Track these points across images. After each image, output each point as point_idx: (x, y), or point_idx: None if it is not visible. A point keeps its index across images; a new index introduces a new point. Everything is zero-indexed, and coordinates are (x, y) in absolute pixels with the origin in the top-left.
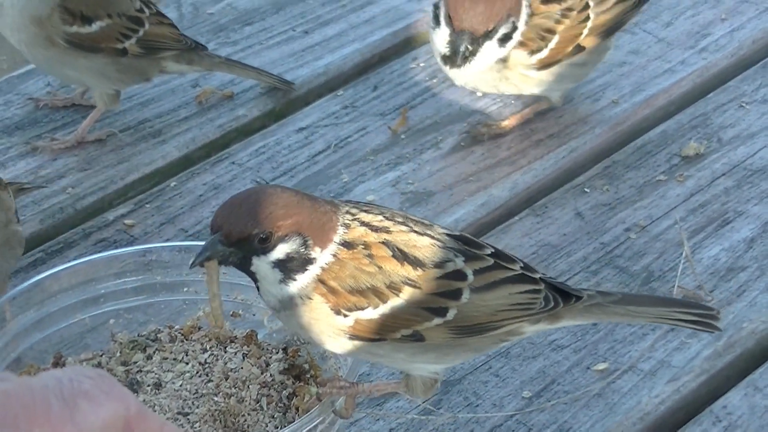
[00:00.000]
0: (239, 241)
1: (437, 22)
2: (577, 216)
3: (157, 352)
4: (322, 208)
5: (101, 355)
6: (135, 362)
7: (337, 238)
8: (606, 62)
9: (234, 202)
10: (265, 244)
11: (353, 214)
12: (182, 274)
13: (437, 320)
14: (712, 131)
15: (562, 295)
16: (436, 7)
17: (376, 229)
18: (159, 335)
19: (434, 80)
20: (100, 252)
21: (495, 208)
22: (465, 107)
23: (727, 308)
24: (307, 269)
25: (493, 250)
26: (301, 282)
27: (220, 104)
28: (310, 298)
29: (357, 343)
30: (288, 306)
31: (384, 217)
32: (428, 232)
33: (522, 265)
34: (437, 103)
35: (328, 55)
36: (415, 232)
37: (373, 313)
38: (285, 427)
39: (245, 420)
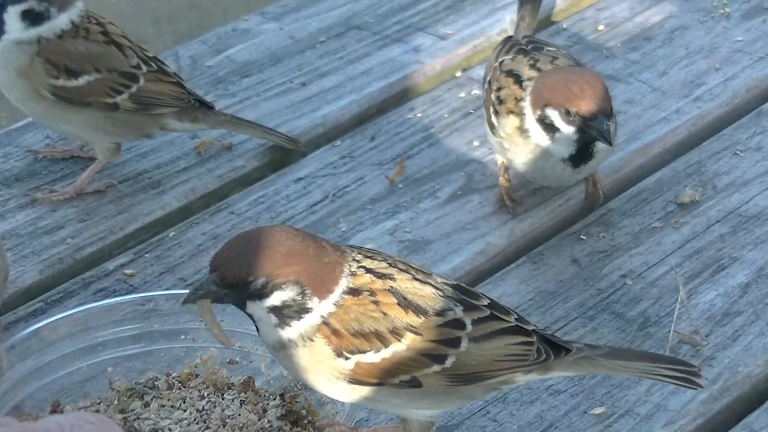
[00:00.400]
0: (234, 285)
1: (553, 129)
2: (574, 263)
3: (154, 399)
4: (326, 258)
5: (99, 403)
6: (133, 410)
7: (340, 288)
8: None
9: (236, 244)
10: (260, 291)
11: (358, 261)
12: (180, 322)
13: (436, 367)
14: (707, 178)
15: (553, 347)
16: (542, 119)
17: (381, 276)
18: (156, 383)
19: (431, 130)
20: (99, 302)
21: (492, 256)
22: (462, 156)
23: (723, 352)
24: (303, 317)
25: (489, 301)
26: (297, 327)
27: (218, 155)
28: (312, 340)
29: (356, 387)
30: (287, 347)
31: (387, 263)
32: (429, 280)
33: (516, 317)
34: (434, 152)
35: (325, 106)
36: (418, 280)
37: (374, 357)
38: None
39: None
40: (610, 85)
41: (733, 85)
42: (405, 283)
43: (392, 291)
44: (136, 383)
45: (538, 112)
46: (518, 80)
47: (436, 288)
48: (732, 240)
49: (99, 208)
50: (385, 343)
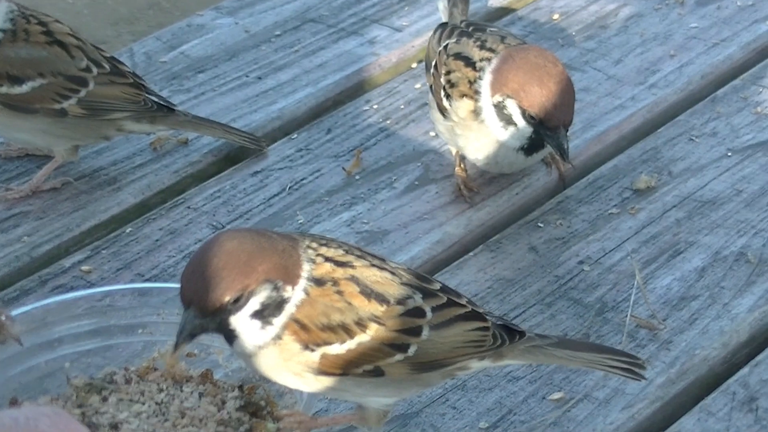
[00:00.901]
0: (214, 311)
1: (510, 121)
2: (531, 250)
3: (112, 393)
4: (282, 247)
5: (57, 399)
6: (91, 404)
7: (305, 274)
8: None
9: (197, 269)
10: (238, 304)
11: (315, 249)
12: (137, 316)
13: (399, 356)
14: (663, 165)
15: (509, 332)
16: (500, 107)
17: (341, 264)
18: (115, 377)
19: (388, 122)
20: (56, 297)
21: (450, 245)
22: (419, 147)
23: (680, 336)
24: (282, 309)
25: (440, 285)
26: (278, 324)
27: (175, 150)
28: (281, 338)
29: (321, 378)
30: (261, 349)
31: (344, 251)
32: (385, 266)
33: (467, 300)
34: (391, 143)
35: (281, 99)
36: (375, 266)
37: (340, 348)
38: None
39: None
40: None
41: (687, 71)
42: (365, 271)
43: (354, 279)
44: (94, 378)
45: (498, 98)
46: (469, 62)
47: (394, 274)
48: (688, 225)
49: (55, 206)
50: (351, 335)
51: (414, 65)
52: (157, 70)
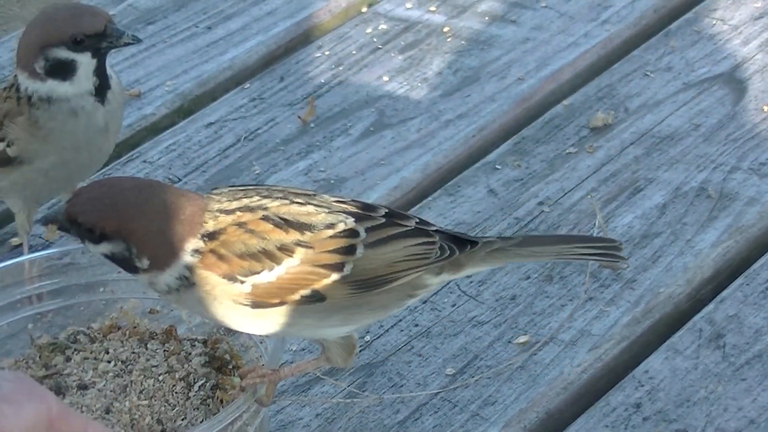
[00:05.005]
0: (71, 222)
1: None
2: (490, 193)
3: (77, 353)
4: (181, 215)
5: (22, 360)
6: (55, 365)
7: (191, 246)
8: (509, 40)
9: (93, 187)
10: (90, 236)
11: (219, 206)
12: (98, 275)
13: (335, 276)
14: (619, 101)
15: (461, 243)
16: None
17: (250, 209)
18: (78, 336)
19: (340, 68)
20: (16, 258)
21: (408, 191)
22: (372, 92)
23: (644, 274)
24: (138, 272)
25: (386, 211)
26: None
27: (127, 104)
28: (196, 273)
29: (260, 312)
30: (173, 288)
31: (261, 196)
32: (311, 201)
33: (417, 221)
34: (344, 90)
35: (232, 49)
36: (297, 203)
37: (269, 275)
38: (210, 419)
39: (170, 415)
40: (518, 12)
41: (640, 5)
42: (281, 209)
43: (266, 218)
44: (57, 338)
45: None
46: None
47: (321, 207)
48: (647, 161)
49: None
50: (277, 261)
51: (364, 9)
52: None
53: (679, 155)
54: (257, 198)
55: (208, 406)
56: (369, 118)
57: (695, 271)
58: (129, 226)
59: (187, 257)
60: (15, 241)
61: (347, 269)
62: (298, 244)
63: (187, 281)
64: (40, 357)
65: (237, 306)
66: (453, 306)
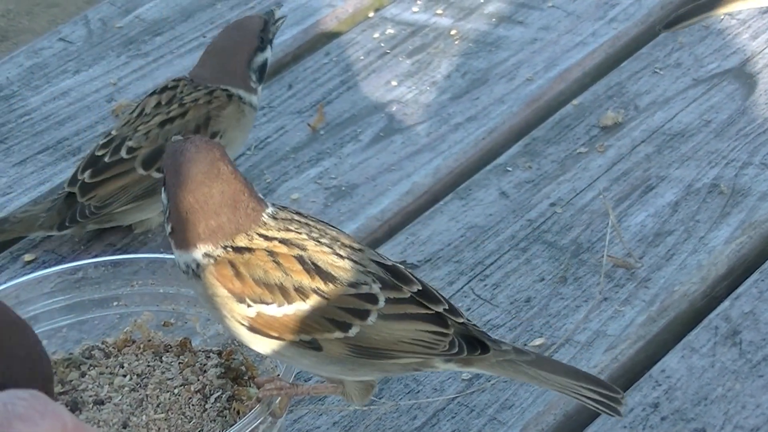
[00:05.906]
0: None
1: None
2: (502, 195)
3: (92, 368)
4: (212, 215)
5: None
6: (70, 381)
7: (203, 248)
8: (517, 41)
9: (195, 140)
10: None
11: (261, 235)
12: (111, 289)
13: (338, 333)
14: (629, 99)
15: (476, 343)
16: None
17: (289, 244)
18: (93, 351)
19: (348, 73)
20: (29, 274)
21: (419, 195)
22: (381, 97)
23: (658, 273)
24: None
25: (420, 288)
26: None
27: None
28: (206, 274)
29: (256, 336)
30: (183, 270)
31: (308, 236)
32: (353, 257)
33: (446, 307)
34: (353, 96)
35: None
36: (337, 255)
37: (276, 310)
38: (226, 430)
39: (187, 428)
40: (525, 12)
41: (647, 2)
42: (319, 255)
43: (299, 258)
44: (71, 354)
45: None
46: None
47: (358, 264)
48: (658, 159)
49: (20, 180)
50: (289, 300)
51: (371, 14)
52: (113, 36)
53: (691, 152)
54: (304, 236)
55: (225, 417)
56: (378, 124)
57: (709, 269)
58: (175, 189)
59: (198, 256)
60: (28, 257)
61: (353, 332)
62: (316, 291)
63: (195, 274)
64: (55, 373)
65: (238, 323)
66: (468, 310)
